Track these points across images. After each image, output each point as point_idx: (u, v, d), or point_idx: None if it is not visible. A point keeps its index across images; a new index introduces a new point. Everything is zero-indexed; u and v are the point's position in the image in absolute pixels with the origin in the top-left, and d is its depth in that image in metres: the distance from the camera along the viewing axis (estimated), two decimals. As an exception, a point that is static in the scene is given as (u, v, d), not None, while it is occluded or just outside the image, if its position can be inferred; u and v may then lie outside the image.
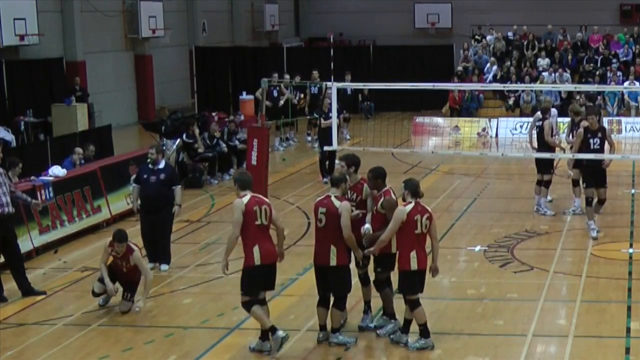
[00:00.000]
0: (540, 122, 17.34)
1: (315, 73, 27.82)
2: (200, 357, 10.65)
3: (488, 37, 36.79)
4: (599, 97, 30.34)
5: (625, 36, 35.60)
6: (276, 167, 23.09)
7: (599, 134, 15.60)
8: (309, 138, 27.46)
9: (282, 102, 26.65)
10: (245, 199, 10.35)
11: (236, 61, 35.68)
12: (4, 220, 12.83)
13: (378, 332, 11.11)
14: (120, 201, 17.93)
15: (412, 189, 10.61)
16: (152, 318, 11.93)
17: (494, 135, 28.93)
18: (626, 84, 30.55)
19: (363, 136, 26.80)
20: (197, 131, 21.77)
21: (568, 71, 32.81)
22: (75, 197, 16.66)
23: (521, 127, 27.88)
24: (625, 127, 28.45)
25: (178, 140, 21.46)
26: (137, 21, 31.73)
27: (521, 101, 31.63)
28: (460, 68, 34.76)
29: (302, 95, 27.76)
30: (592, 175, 15.64)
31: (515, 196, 19.56)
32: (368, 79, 30.65)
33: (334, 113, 18.70)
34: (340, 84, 21.66)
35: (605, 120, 22.40)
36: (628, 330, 11.26)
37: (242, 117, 26.50)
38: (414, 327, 10.72)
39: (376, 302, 11.41)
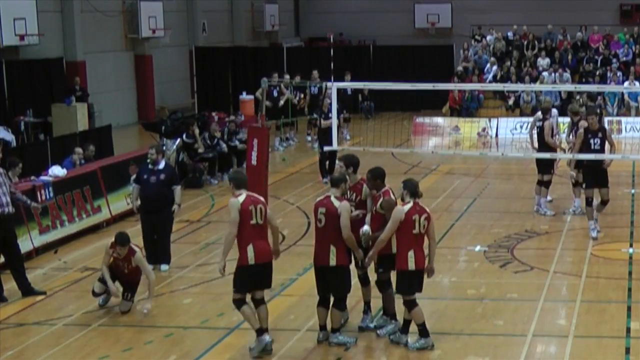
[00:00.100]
0: (541, 123, 17.34)
1: (315, 73, 27.81)
2: (200, 357, 10.65)
3: (488, 37, 36.78)
4: (599, 97, 30.34)
5: (625, 36, 35.59)
6: (276, 167, 23.09)
7: (600, 134, 15.59)
8: (309, 138, 27.45)
9: (282, 102, 26.65)
10: (241, 198, 10.36)
11: (236, 61, 35.69)
12: (4, 220, 12.84)
13: (378, 332, 11.11)
14: (120, 201, 17.93)
15: (411, 189, 10.62)
16: (152, 318, 11.92)
17: (494, 135, 28.94)
18: (626, 84, 30.54)
19: (363, 136, 26.82)
20: (197, 131, 21.77)
21: (568, 71, 32.80)
22: (75, 197, 16.67)
23: (521, 127, 27.86)
24: (625, 127, 28.46)
25: (178, 140, 21.46)
26: (137, 21, 31.73)
27: (521, 101, 31.63)
28: (460, 68, 34.75)
29: (302, 95, 27.76)
30: (593, 175, 15.62)
31: (515, 196, 19.56)
32: (368, 79, 30.64)
33: (334, 113, 18.69)
34: (340, 84, 21.67)
35: (605, 120, 22.38)
36: (628, 330, 11.27)
37: (243, 117, 26.50)
38: (414, 327, 10.72)
39: (376, 302, 11.42)
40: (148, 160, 14.33)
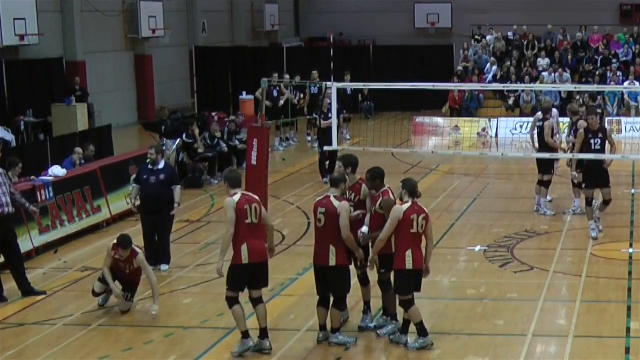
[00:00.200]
0: (541, 123, 17.34)
1: (315, 73, 27.78)
2: (200, 357, 10.65)
3: (488, 37, 36.79)
4: (599, 97, 30.35)
5: (625, 36, 35.59)
6: (276, 167, 23.09)
7: (600, 134, 15.58)
8: (309, 138, 27.45)
9: (282, 102, 26.65)
10: (236, 198, 10.37)
11: (236, 61, 35.68)
12: (4, 220, 12.83)
13: (378, 332, 11.11)
14: (120, 201, 17.93)
15: (410, 188, 10.63)
16: (152, 318, 11.92)
17: (494, 135, 28.93)
18: (626, 84, 30.54)
19: (363, 136, 26.81)
20: (197, 131, 21.78)
21: (568, 71, 32.81)
22: (75, 197, 16.67)
23: (521, 127, 27.87)
24: (625, 127, 28.46)
25: (178, 140, 21.46)
26: (137, 21, 31.71)
27: (521, 101, 31.63)
28: (460, 68, 34.75)
29: (302, 96, 27.75)
30: (593, 175, 15.60)
31: (515, 196, 19.56)
32: (368, 79, 30.61)
33: (333, 113, 18.67)
34: (340, 84, 21.62)
35: (605, 120, 22.39)
36: (628, 330, 11.27)
37: (243, 117, 26.49)
38: (414, 327, 10.71)
39: (376, 302, 11.42)
40: (148, 161, 14.33)
